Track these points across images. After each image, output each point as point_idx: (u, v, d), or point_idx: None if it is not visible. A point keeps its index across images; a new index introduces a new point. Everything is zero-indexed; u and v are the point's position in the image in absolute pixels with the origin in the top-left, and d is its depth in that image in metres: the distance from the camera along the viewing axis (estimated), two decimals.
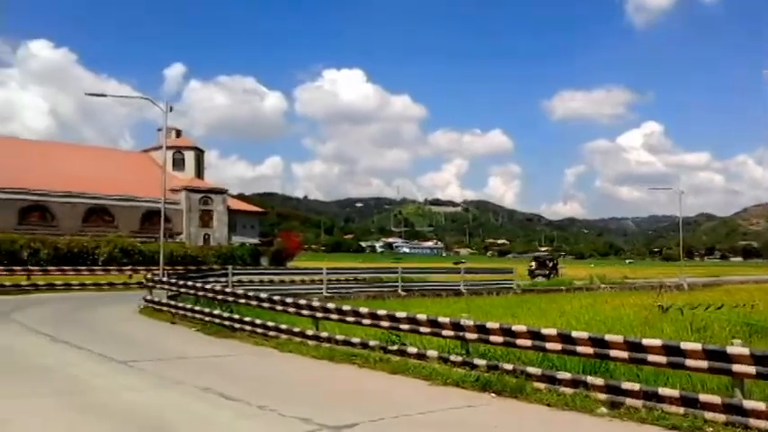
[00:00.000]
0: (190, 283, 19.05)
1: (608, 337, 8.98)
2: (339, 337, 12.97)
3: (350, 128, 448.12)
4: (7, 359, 11.94)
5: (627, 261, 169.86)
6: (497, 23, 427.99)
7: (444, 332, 11.10)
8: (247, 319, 15.33)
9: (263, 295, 15.59)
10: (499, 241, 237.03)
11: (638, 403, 8.26)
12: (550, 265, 55.62)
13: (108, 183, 57.67)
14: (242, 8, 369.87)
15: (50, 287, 28.97)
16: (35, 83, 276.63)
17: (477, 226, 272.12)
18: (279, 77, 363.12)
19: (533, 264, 54.91)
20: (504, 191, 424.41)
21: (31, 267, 33.15)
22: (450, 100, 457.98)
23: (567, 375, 9.22)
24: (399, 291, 29.63)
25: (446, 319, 11.05)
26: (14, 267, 32.39)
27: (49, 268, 33.73)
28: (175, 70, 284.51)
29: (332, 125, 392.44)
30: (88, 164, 59.36)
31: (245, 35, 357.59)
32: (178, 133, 65.13)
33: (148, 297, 20.57)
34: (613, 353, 8.77)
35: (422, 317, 11.43)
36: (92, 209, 56.70)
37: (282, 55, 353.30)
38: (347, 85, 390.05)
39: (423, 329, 11.41)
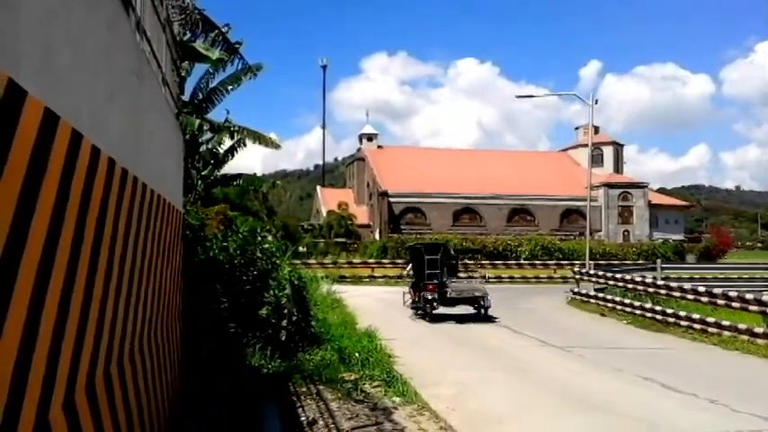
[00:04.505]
0: (619, 275, 18.94)
1: None
2: None
3: None
4: (468, 338, 13.84)
5: None
6: None
7: None
8: (682, 313, 14.60)
9: (701, 288, 14.58)
10: None
11: None
12: None
13: (529, 184, 61.23)
14: None
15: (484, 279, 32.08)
16: (464, 98, 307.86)
17: None
18: (703, 59, 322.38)
19: None
20: None
21: (468, 261, 37.19)
22: None
23: None
24: None
25: None
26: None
27: (483, 262, 37.43)
28: (591, 68, 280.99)
29: None
30: (511, 167, 63.93)
31: (663, 18, 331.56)
32: (596, 130, 65.30)
33: (575, 289, 21.19)
34: None
35: None
36: (514, 209, 60.97)
37: (706, 34, 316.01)
38: None
39: None
